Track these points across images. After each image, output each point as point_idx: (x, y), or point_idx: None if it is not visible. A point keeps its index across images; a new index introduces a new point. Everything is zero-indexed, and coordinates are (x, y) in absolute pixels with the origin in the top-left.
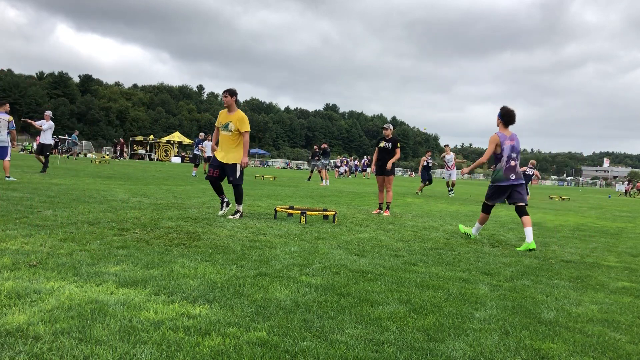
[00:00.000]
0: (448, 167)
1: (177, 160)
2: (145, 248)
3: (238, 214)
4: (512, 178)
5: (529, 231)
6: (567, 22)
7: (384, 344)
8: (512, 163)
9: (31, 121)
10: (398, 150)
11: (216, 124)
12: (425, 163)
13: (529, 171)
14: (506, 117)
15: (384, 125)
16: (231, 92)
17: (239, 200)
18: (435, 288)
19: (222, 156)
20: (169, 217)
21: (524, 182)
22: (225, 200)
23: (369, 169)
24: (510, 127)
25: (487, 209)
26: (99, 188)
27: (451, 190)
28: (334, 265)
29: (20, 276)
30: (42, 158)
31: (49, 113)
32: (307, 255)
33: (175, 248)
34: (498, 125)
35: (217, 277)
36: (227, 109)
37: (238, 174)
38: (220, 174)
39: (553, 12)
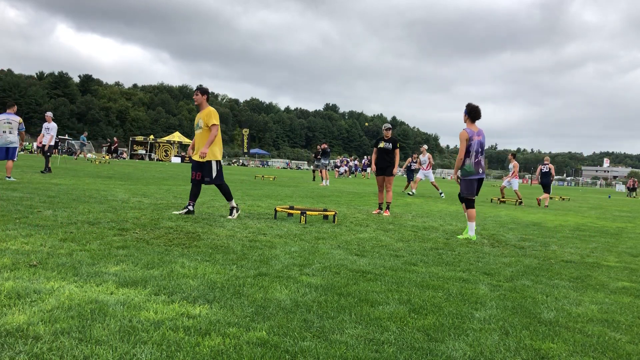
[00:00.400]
0: (423, 168)
1: (177, 160)
2: (145, 248)
3: (234, 211)
4: (480, 172)
5: (471, 226)
6: (567, 22)
7: (384, 344)
8: (480, 157)
9: (41, 141)
10: (397, 151)
11: None
12: (409, 164)
13: (545, 168)
14: (472, 113)
15: (384, 126)
16: (202, 90)
17: (228, 198)
18: (435, 288)
19: (197, 156)
20: (169, 217)
21: (484, 177)
22: (191, 209)
23: (368, 169)
24: (477, 123)
25: (471, 204)
26: (99, 188)
27: (441, 192)
28: (334, 265)
29: (20, 276)
30: (50, 160)
31: (50, 114)
32: (307, 255)
33: (175, 248)
34: (465, 122)
35: (217, 277)
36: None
37: (215, 173)
38: (202, 176)
39: (553, 12)
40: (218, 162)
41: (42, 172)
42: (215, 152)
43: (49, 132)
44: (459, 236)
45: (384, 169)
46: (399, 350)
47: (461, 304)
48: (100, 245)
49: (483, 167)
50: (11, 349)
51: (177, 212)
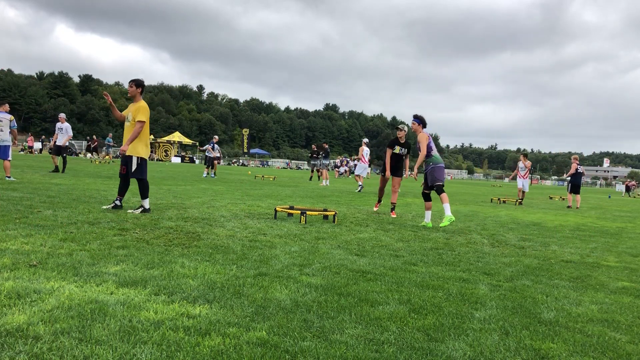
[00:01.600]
0: (520, 175)
1: (177, 160)
2: (145, 248)
3: (140, 209)
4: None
5: (447, 207)
6: (567, 22)
7: (384, 344)
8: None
9: (58, 142)
10: (408, 156)
11: None
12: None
13: (580, 168)
14: (423, 122)
15: (399, 126)
16: (137, 83)
17: (142, 195)
18: (435, 288)
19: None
20: (169, 217)
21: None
22: (118, 203)
23: (368, 169)
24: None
25: (441, 189)
26: (99, 188)
27: (361, 186)
28: (334, 265)
29: (20, 276)
30: (57, 160)
31: (63, 115)
32: (307, 255)
33: (175, 248)
34: (418, 130)
35: (217, 277)
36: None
37: (134, 167)
38: (128, 170)
39: (553, 12)
40: (139, 158)
41: (58, 171)
42: (137, 148)
43: (63, 132)
44: (441, 224)
45: (395, 171)
46: (399, 350)
47: (461, 304)
48: (100, 245)
49: None
50: (11, 349)
51: (105, 207)
